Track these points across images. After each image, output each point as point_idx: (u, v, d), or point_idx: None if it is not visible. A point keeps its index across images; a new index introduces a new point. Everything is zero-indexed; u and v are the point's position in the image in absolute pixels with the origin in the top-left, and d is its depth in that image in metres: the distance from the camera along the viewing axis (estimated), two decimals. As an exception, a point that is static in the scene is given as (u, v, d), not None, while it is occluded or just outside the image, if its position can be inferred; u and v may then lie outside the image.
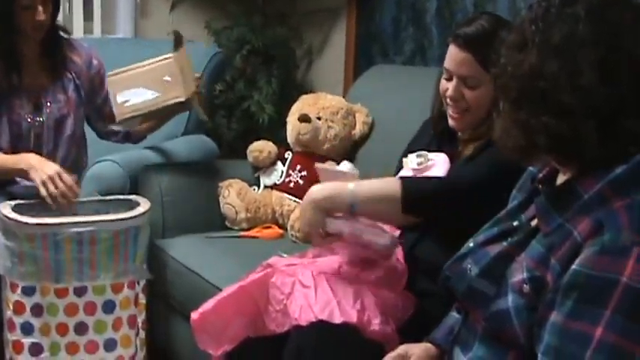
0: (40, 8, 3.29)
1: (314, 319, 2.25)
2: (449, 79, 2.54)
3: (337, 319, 2.24)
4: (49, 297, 3.01)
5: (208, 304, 2.47)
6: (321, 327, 2.24)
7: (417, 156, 2.57)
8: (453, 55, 2.50)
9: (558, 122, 1.66)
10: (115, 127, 3.59)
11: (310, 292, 2.33)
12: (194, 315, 2.48)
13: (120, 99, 3.34)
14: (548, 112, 1.67)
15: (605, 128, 1.65)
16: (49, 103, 3.45)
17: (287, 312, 2.34)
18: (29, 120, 3.44)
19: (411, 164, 2.58)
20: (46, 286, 3.00)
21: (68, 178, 3.14)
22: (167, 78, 3.32)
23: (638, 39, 1.66)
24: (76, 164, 3.58)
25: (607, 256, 1.59)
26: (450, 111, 2.57)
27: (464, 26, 2.51)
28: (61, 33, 3.55)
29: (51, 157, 3.43)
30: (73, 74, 3.51)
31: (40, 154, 3.37)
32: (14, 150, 3.41)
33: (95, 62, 3.59)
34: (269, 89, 4.58)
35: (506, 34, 1.80)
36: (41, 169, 3.15)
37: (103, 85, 3.56)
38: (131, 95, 3.34)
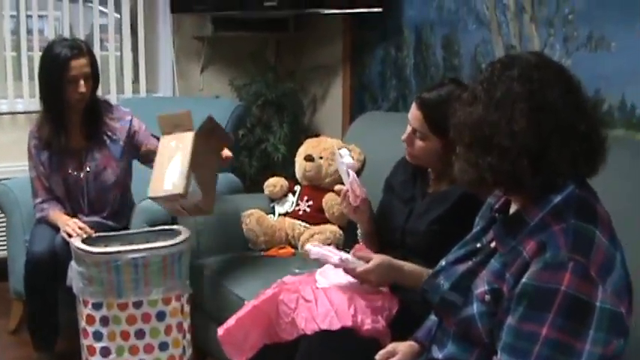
0: (82, 82, 3.37)
1: (317, 330, 2.29)
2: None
3: (336, 326, 2.28)
4: (113, 310, 3.03)
5: (230, 321, 2.50)
6: (323, 334, 2.28)
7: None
8: (412, 111, 2.56)
9: (499, 161, 1.72)
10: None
11: (312, 305, 2.37)
12: (220, 331, 2.51)
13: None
14: (492, 154, 1.72)
15: (536, 164, 1.70)
16: (87, 162, 3.51)
17: (295, 323, 2.38)
18: (74, 176, 3.53)
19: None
20: (110, 301, 3.02)
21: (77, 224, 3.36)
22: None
23: (558, 94, 1.72)
24: (123, 202, 3.67)
25: (549, 270, 1.64)
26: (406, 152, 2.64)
27: (427, 91, 2.57)
28: (101, 104, 3.60)
29: (96, 202, 3.57)
30: (109, 134, 3.55)
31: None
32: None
33: (135, 124, 3.61)
34: (281, 133, 4.60)
35: (462, 93, 1.85)
36: (64, 222, 3.35)
37: (144, 139, 3.60)
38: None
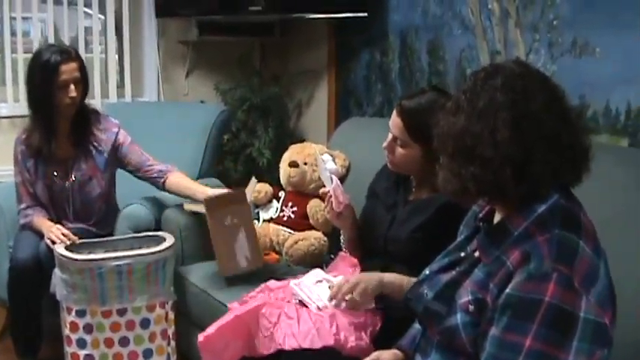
0: (72, 87, 3.35)
1: (298, 347, 2.27)
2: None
3: (317, 345, 2.26)
4: (97, 317, 3.03)
5: (211, 329, 2.46)
6: (304, 353, 2.26)
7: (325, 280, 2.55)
8: (392, 117, 2.57)
9: (482, 171, 1.71)
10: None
11: (294, 322, 2.34)
12: (200, 338, 2.47)
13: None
14: (474, 164, 1.72)
15: (519, 173, 1.70)
16: (73, 172, 3.49)
17: (273, 338, 2.34)
18: (59, 184, 3.51)
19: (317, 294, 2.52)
20: (94, 308, 3.02)
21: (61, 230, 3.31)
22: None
23: (541, 104, 1.71)
24: (108, 210, 3.64)
25: (533, 281, 1.63)
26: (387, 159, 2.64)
27: (408, 98, 2.56)
28: (90, 113, 3.57)
29: (81, 211, 3.55)
30: (95, 144, 3.53)
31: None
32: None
33: (120, 137, 3.58)
34: (266, 137, 4.58)
35: (445, 102, 1.85)
36: (48, 229, 3.31)
37: (127, 153, 3.57)
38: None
